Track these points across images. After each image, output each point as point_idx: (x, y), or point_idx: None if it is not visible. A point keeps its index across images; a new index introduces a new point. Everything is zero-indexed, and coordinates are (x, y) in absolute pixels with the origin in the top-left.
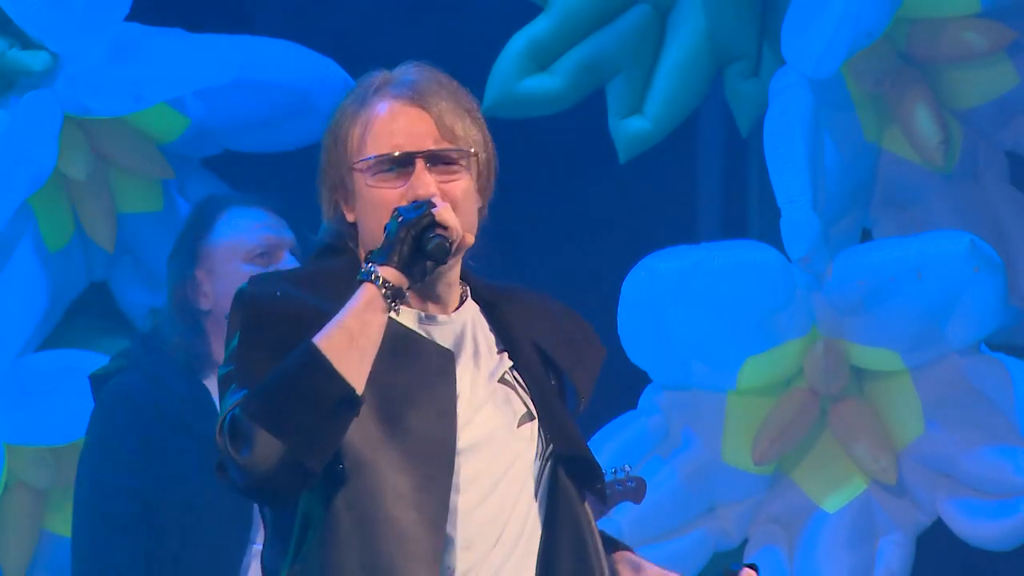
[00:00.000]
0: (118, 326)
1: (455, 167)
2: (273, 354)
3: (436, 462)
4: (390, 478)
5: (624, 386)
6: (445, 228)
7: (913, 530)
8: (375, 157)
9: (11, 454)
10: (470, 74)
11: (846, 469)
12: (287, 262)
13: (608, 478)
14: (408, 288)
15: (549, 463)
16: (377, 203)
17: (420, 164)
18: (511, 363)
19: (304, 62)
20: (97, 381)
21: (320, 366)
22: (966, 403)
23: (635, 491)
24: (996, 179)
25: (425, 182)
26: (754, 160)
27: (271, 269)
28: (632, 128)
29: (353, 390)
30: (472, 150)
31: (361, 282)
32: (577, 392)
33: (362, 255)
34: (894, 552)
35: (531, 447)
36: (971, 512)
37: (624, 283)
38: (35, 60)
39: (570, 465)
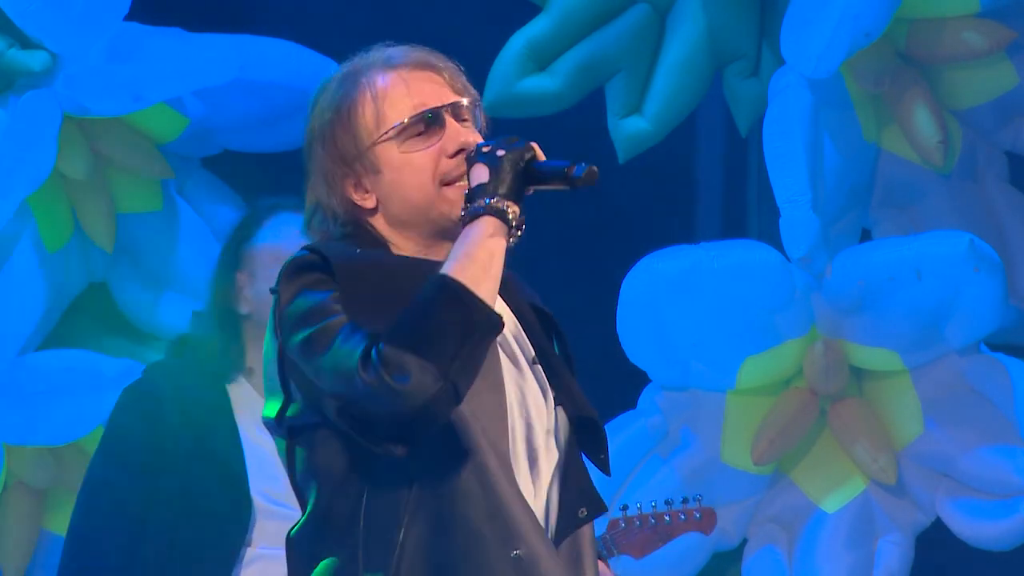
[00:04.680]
0: (118, 326)
1: (468, 121)
2: (380, 298)
3: (497, 424)
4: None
5: (624, 386)
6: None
7: (912, 530)
8: (408, 120)
9: (11, 454)
10: (469, 73)
11: (845, 469)
12: None
13: (676, 507)
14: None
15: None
16: (416, 166)
17: (449, 118)
18: (516, 322)
19: (304, 62)
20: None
21: (463, 298)
22: (965, 403)
23: (701, 523)
24: (996, 179)
25: (462, 130)
26: (753, 160)
27: None
28: (631, 128)
29: (499, 317)
30: (480, 102)
31: (473, 217)
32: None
33: (388, 233)
34: (893, 552)
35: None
36: (970, 512)
37: (624, 283)
38: (34, 60)
39: (579, 433)
